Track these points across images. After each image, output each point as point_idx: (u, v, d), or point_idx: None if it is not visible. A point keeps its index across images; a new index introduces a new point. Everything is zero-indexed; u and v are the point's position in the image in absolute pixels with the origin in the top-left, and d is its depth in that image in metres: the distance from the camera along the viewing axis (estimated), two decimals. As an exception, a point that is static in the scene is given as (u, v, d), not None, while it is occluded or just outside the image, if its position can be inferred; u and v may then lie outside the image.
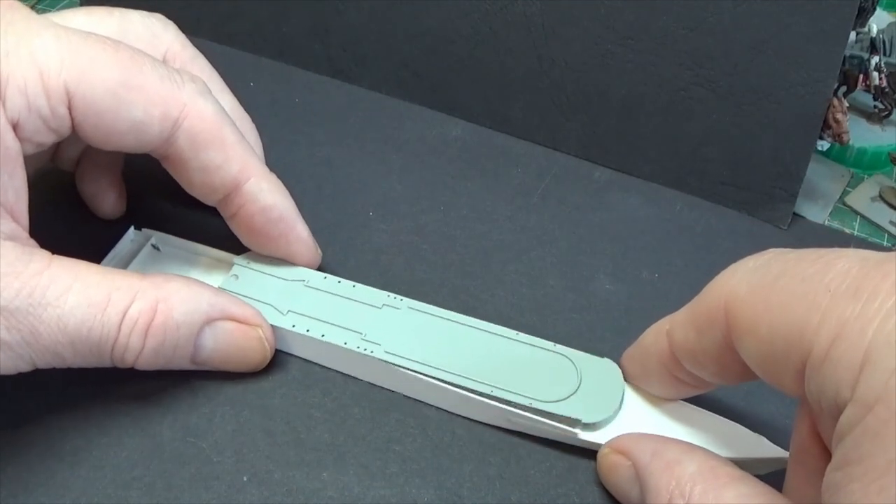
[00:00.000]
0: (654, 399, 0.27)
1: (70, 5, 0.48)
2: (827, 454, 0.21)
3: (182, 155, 0.28)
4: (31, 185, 0.26)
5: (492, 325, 0.29)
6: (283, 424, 0.28)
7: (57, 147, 0.32)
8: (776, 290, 0.20)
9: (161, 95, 0.26)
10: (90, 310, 0.24)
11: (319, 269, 0.32)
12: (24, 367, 0.24)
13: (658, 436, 0.25)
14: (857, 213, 0.38)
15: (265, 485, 0.26)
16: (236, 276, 0.31)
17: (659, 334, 0.25)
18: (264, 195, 0.29)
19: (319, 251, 0.32)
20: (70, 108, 0.25)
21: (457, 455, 0.27)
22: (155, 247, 0.32)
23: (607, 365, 0.28)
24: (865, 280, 0.18)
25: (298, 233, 0.30)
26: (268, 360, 0.29)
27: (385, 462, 0.27)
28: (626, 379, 0.28)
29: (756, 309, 0.21)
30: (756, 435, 0.26)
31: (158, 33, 0.30)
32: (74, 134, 0.27)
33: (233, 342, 0.28)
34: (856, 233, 0.37)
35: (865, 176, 0.40)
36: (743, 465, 0.24)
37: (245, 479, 0.27)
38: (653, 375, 0.26)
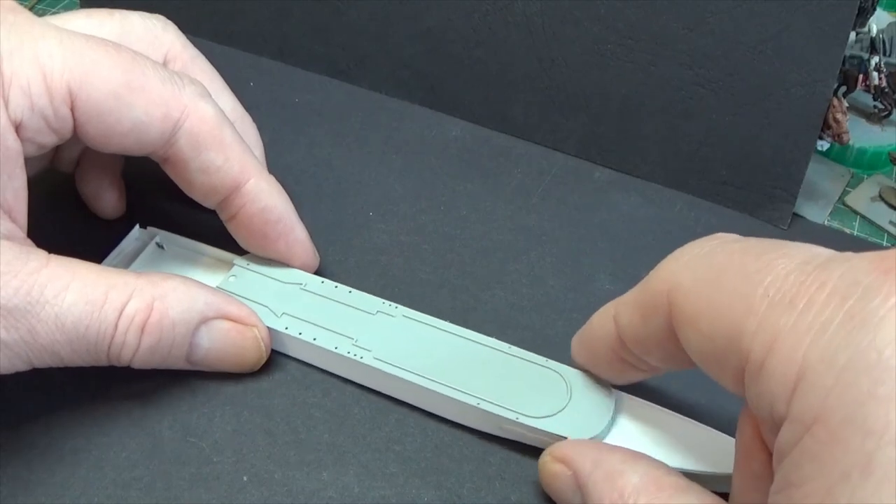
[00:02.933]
0: (648, 413, 0.27)
1: (70, 6, 0.48)
2: (771, 457, 0.21)
3: (183, 156, 0.28)
4: (31, 186, 0.26)
5: (485, 337, 0.29)
6: (283, 424, 0.28)
7: (56, 148, 0.32)
8: (718, 285, 0.20)
9: (162, 97, 0.27)
10: (87, 307, 0.24)
11: (319, 269, 0.32)
12: (22, 366, 0.24)
13: (600, 443, 0.25)
14: (857, 213, 0.38)
15: (265, 485, 0.26)
16: (235, 277, 0.31)
17: (606, 318, 0.25)
18: (264, 196, 0.29)
19: (317, 255, 0.32)
20: (72, 109, 0.26)
21: (457, 455, 0.27)
22: (159, 245, 0.32)
23: (599, 383, 0.27)
24: (802, 288, 0.18)
25: (297, 235, 0.30)
26: (263, 361, 0.29)
27: (385, 462, 0.27)
28: (574, 362, 0.28)
29: (697, 302, 0.20)
30: None
31: (159, 34, 0.30)
32: (75, 136, 0.27)
33: (228, 342, 0.28)
34: (856, 233, 0.37)
35: (865, 176, 0.40)
36: None
37: (245, 479, 0.27)
38: (601, 359, 0.26)
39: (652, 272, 0.23)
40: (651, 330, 0.23)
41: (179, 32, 0.31)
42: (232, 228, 0.30)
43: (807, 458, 0.17)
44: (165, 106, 0.27)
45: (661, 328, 0.22)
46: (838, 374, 0.16)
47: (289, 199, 0.30)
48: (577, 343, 0.27)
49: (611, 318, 0.25)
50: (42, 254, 0.25)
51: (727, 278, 0.20)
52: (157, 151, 0.28)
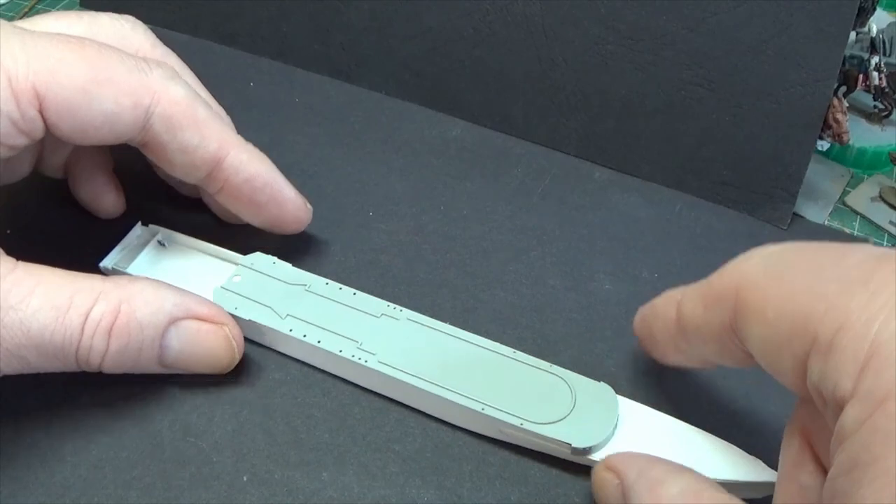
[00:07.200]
0: (652, 419, 0.27)
1: (70, 5, 0.48)
2: (821, 468, 0.21)
3: (160, 139, 0.28)
4: (29, 186, 0.26)
5: (490, 341, 0.29)
6: (283, 424, 0.28)
7: (41, 154, 0.32)
8: (789, 276, 0.20)
9: (131, 85, 0.27)
10: (52, 313, 0.24)
11: (318, 270, 0.32)
12: None
13: (648, 455, 0.25)
14: (856, 213, 0.38)
15: (265, 485, 0.26)
16: (239, 277, 0.31)
17: (669, 301, 0.25)
18: (246, 165, 0.29)
19: (310, 207, 0.32)
20: (41, 110, 0.26)
21: (457, 455, 0.28)
22: (161, 243, 0.32)
23: (603, 389, 0.27)
24: (877, 273, 0.18)
25: (286, 194, 0.31)
26: (237, 361, 0.29)
27: (385, 462, 0.27)
28: (635, 335, 0.28)
29: (766, 293, 0.20)
30: (753, 458, 0.25)
31: (127, 34, 0.30)
32: (52, 136, 0.26)
33: (199, 342, 0.28)
34: (856, 233, 0.37)
35: (865, 176, 0.39)
36: (738, 488, 0.24)
37: (245, 479, 0.27)
38: (657, 339, 0.27)
39: (721, 268, 0.23)
40: (711, 322, 0.23)
41: (149, 31, 0.31)
42: (222, 201, 0.31)
43: (878, 435, 0.16)
44: (134, 94, 0.27)
45: (721, 321, 0.22)
46: None
47: (271, 163, 0.31)
48: (639, 317, 0.28)
49: (673, 303, 0.25)
50: (10, 260, 0.25)
51: (798, 270, 0.20)
52: (134, 138, 0.28)
